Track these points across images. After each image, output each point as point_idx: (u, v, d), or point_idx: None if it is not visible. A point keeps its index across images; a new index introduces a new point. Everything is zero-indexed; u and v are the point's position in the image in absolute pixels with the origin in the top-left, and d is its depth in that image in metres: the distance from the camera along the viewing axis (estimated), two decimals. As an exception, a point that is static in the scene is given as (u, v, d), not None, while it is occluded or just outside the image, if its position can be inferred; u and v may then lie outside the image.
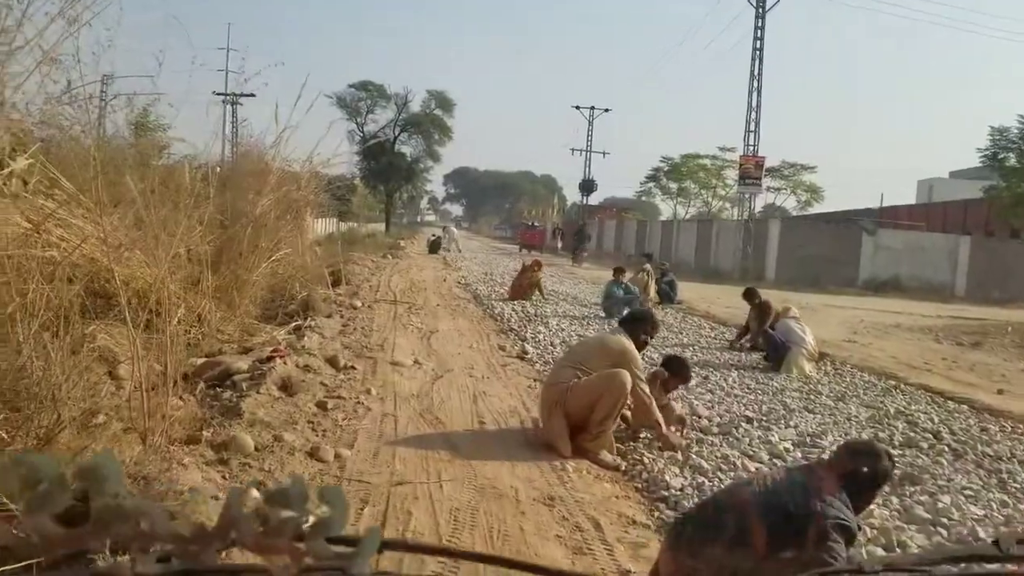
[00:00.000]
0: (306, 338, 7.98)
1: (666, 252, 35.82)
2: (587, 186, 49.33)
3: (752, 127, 25.15)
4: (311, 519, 0.55)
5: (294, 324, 9.42)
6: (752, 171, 25.26)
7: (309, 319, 9.68)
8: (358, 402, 5.66)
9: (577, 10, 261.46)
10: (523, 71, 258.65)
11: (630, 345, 5.14)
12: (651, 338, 5.55)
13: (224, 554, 0.61)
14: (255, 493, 0.61)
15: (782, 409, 6.52)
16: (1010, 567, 0.77)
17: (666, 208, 61.95)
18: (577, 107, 49.01)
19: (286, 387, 5.72)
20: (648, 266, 15.27)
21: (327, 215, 38.76)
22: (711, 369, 8.31)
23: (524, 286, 14.58)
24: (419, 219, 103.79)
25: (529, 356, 8.21)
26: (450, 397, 6.04)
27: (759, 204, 40.77)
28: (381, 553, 0.61)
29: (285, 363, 6.50)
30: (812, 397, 7.15)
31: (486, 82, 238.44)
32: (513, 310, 12.58)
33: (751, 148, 25.33)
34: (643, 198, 44.01)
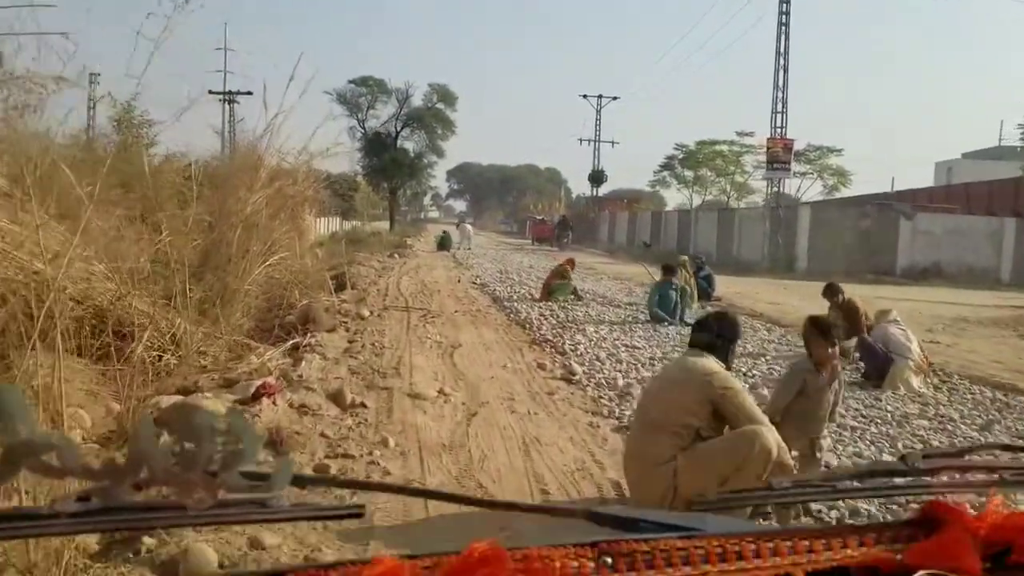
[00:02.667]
0: (304, 363, 6.51)
1: (683, 243, 34.23)
2: (596, 177, 47.82)
3: (779, 107, 23.58)
4: (221, 452, 0.53)
5: (291, 343, 7.96)
6: (780, 154, 23.67)
7: (309, 335, 8.21)
8: (371, 461, 4.18)
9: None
10: (525, 62, 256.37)
11: (731, 378, 3.61)
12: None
13: None
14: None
15: (921, 446, 5.03)
16: (917, 480, 0.79)
17: (675, 197, 60.35)
18: (584, 96, 47.59)
19: (275, 442, 4.25)
20: (684, 259, 13.67)
21: (329, 214, 37.40)
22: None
23: (549, 282, 13.12)
24: (423, 216, 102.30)
25: (577, 378, 6.71)
26: (492, 448, 4.55)
27: (762, 191, 39.23)
28: (303, 488, 0.62)
29: (275, 403, 5.03)
30: (947, 425, 5.65)
31: (487, 74, 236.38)
32: (541, 314, 11.09)
33: (778, 130, 23.76)
34: (657, 188, 42.52)
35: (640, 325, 10.45)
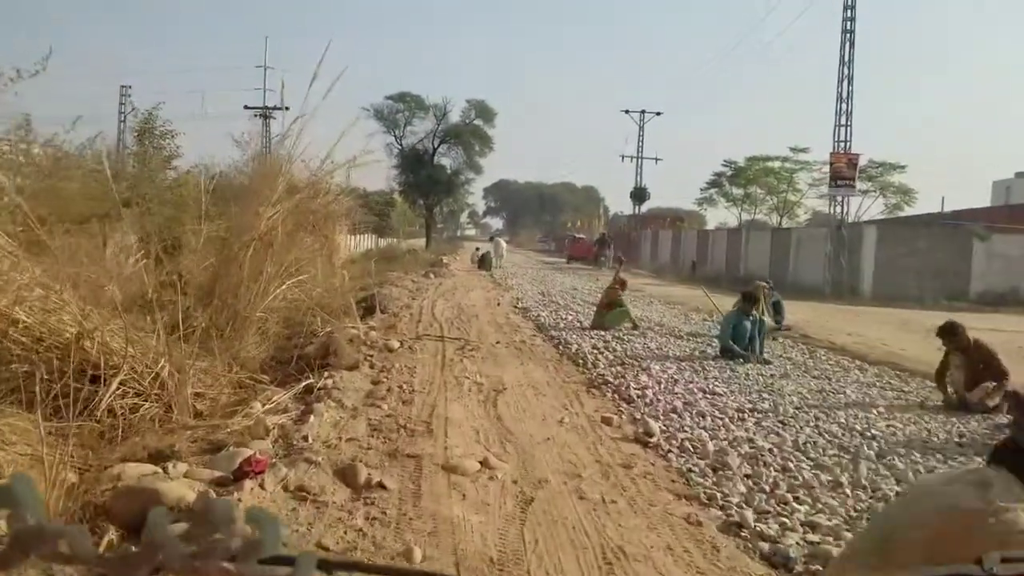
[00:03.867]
0: (313, 418, 5.20)
1: (732, 263, 32.60)
2: (639, 194, 46.36)
3: (844, 120, 21.95)
4: (240, 541, 0.52)
5: (304, 384, 6.69)
6: (844, 170, 21.98)
7: (326, 375, 6.93)
8: (387, 594, 2.84)
9: (621, 11, 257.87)
10: (563, 78, 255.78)
11: None
12: None
13: None
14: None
15: None
16: None
17: (717, 216, 58.57)
18: (627, 111, 46.22)
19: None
20: (763, 284, 12.09)
21: (363, 231, 36.46)
22: (936, 459, 5.37)
23: (604, 306, 11.76)
24: (460, 233, 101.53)
25: (655, 440, 5.31)
26: (561, 567, 3.19)
27: (813, 210, 37.33)
28: (330, 574, 0.56)
29: (262, 486, 3.73)
30: None
31: (524, 90, 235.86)
32: (595, 347, 9.71)
33: (842, 144, 22.10)
34: (703, 205, 40.89)
35: (710, 362, 9.00)
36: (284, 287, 9.13)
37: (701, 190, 40.69)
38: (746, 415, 6.24)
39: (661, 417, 6.02)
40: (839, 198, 22.76)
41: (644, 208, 50.02)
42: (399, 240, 47.01)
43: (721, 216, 67.59)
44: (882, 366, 9.56)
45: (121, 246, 11.98)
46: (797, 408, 6.59)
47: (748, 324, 9.17)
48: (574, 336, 10.68)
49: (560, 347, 9.75)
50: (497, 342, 9.76)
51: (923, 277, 21.76)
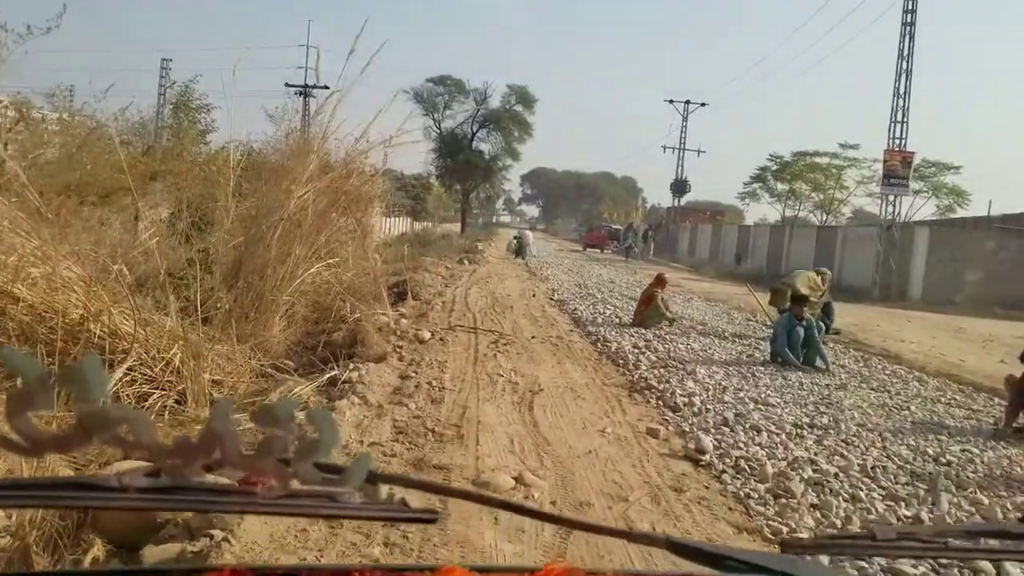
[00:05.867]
0: (335, 416, 4.80)
1: (773, 261, 31.70)
2: (680, 186, 45.45)
3: (900, 116, 20.98)
4: (297, 441, 0.52)
5: (328, 376, 6.30)
6: (899, 169, 21.01)
7: (352, 367, 6.52)
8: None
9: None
10: (605, 67, 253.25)
11: None
12: None
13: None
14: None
15: None
16: None
17: (758, 212, 57.36)
18: (671, 101, 45.27)
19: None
20: (817, 275, 11.11)
21: (398, 214, 36.17)
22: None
23: (645, 303, 11.23)
24: (495, 220, 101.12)
25: (707, 458, 4.81)
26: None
27: (860, 209, 36.19)
28: (373, 485, 0.60)
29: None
30: None
31: (566, 78, 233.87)
32: (635, 346, 9.20)
33: (897, 141, 21.15)
34: (747, 200, 39.88)
35: (760, 368, 8.44)
36: (313, 270, 8.76)
37: (744, 184, 39.73)
38: (805, 431, 5.70)
39: (712, 430, 5.51)
40: (891, 197, 21.82)
41: (682, 201, 49.08)
42: (434, 224, 46.73)
43: (762, 212, 66.38)
44: (942, 378, 8.92)
45: (154, 221, 11.77)
46: (860, 425, 6.03)
47: (801, 330, 8.57)
48: (613, 333, 10.17)
49: (599, 344, 9.26)
50: (533, 337, 9.30)
51: (977, 283, 20.83)
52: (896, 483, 4.61)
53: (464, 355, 7.76)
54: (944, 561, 3.29)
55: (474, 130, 45.48)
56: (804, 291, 9.85)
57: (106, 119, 12.75)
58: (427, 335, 8.55)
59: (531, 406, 5.84)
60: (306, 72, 39.77)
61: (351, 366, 6.53)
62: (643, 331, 10.57)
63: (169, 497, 0.55)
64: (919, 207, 26.32)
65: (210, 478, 0.57)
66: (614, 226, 48.15)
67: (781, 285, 10.95)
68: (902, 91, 21.16)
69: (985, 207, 37.49)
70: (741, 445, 5.20)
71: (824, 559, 2.15)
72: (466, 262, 22.14)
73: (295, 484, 0.53)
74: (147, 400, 4.88)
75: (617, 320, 11.78)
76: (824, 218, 34.09)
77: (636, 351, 8.84)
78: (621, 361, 8.16)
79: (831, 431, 5.77)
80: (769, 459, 4.90)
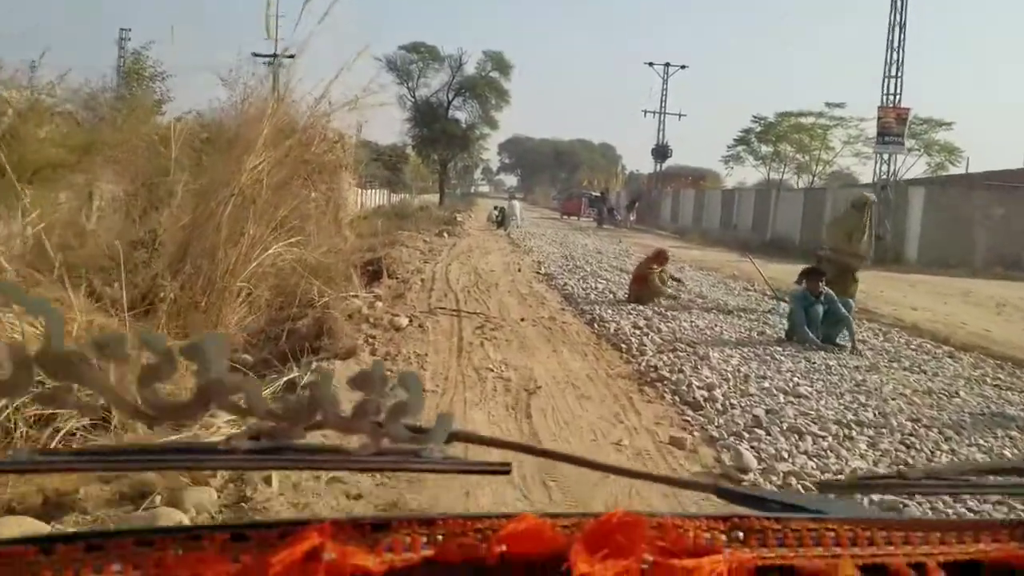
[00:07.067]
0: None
1: (759, 225, 30.96)
2: (661, 151, 44.47)
3: (894, 71, 20.06)
4: (389, 403, 0.57)
5: (284, 380, 5.32)
6: (893, 125, 20.14)
7: (314, 367, 5.54)
8: None
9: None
10: (581, 32, 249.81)
11: None
12: None
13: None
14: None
15: None
16: None
17: (741, 175, 56.64)
18: (650, 64, 44.15)
19: None
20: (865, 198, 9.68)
21: (374, 186, 34.93)
22: None
23: (640, 280, 10.30)
24: (473, 190, 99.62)
25: (751, 478, 3.91)
26: None
27: (847, 170, 35.34)
28: (449, 443, 0.62)
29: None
30: None
31: (540, 44, 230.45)
32: (635, 326, 8.30)
33: (891, 97, 20.25)
34: (730, 163, 38.93)
35: (776, 348, 7.56)
36: (272, 251, 7.74)
37: (728, 147, 38.73)
38: (853, 431, 4.82)
39: (745, 434, 4.61)
40: (885, 156, 20.97)
41: (663, 167, 48.11)
42: (412, 196, 45.48)
43: (747, 175, 65.54)
44: (974, 352, 8.11)
45: (113, 200, 10.66)
46: (913, 420, 5.16)
47: (820, 307, 7.68)
48: (609, 311, 9.26)
49: (595, 325, 8.34)
50: (522, 319, 8.36)
51: (975, 243, 20.15)
52: (986, 503, 3.74)
53: (447, 345, 6.81)
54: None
55: (450, 98, 44.10)
56: (854, 264, 9.01)
57: (43, 89, 11.60)
58: (404, 321, 7.58)
59: (528, 411, 4.92)
60: (276, 42, 38.18)
61: (314, 365, 5.55)
62: (640, 308, 9.66)
63: (273, 457, 0.59)
64: (910, 165, 25.52)
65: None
66: (593, 194, 47.14)
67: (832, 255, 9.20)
68: (896, 44, 20.23)
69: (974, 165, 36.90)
70: (785, 454, 4.31)
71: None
72: (446, 235, 21.12)
73: (385, 443, 0.57)
74: (51, 424, 3.85)
75: (611, 296, 10.87)
76: (810, 180, 33.22)
77: (638, 332, 7.93)
78: (624, 345, 7.25)
79: (883, 430, 4.90)
80: (824, 473, 4.02)
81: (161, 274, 7.03)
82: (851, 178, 35.59)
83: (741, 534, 0.57)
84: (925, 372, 6.91)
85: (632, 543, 0.52)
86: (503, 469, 0.68)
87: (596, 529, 0.53)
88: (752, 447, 4.37)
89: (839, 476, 3.93)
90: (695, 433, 4.65)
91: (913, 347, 8.28)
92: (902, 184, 21.86)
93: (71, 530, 2.69)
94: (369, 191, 32.76)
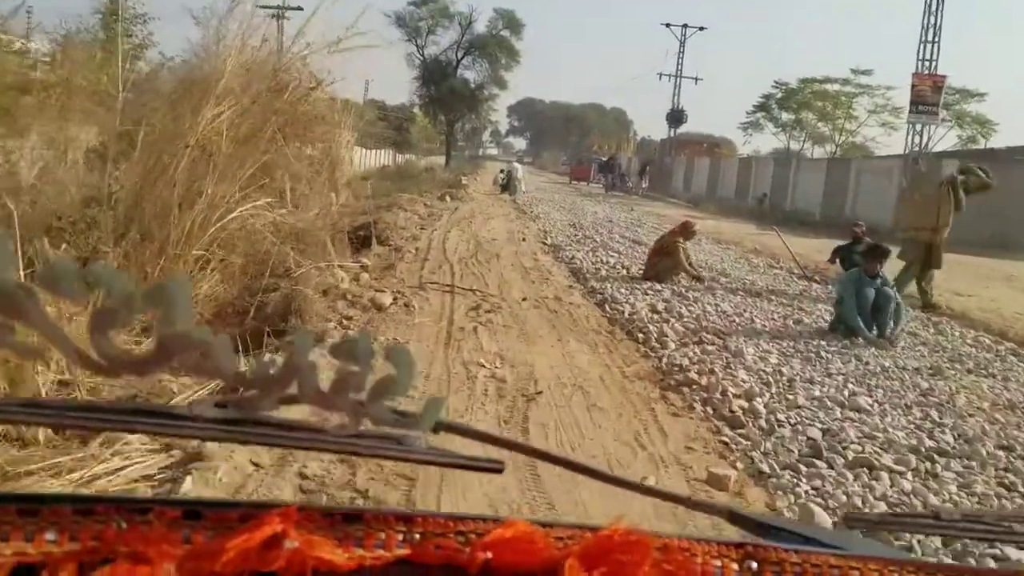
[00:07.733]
0: (190, 482, 2.85)
1: (777, 196, 29.68)
2: (676, 116, 43.03)
3: (931, 36, 18.72)
4: (374, 379, 0.51)
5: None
6: (928, 94, 18.83)
7: (270, 357, 4.55)
8: None
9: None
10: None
11: None
12: None
13: None
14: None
15: None
16: None
17: (759, 143, 55.24)
18: (667, 24, 42.54)
19: None
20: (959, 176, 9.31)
21: (380, 145, 33.69)
22: None
23: (663, 254, 9.24)
24: (481, 153, 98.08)
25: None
26: None
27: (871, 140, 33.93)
28: (436, 433, 0.56)
29: None
30: None
31: (552, 2, 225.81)
32: (653, 310, 7.28)
33: (927, 64, 18.93)
34: (749, 131, 37.53)
35: (820, 342, 6.52)
36: (236, 213, 6.70)
37: (748, 113, 37.31)
38: (937, 464, 3.81)
39: (801, 468, 3.61)
40: (918, 126, 19.68)
41: (676, 133, 46.66)
42: (418, 157, 44.22)
43: (758, 144, 64.00)
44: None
45: (87, 152, 9.66)
46: (1005, 449, 4.14)
47: (872, 291, 6.63)
48: (623, 291, 8.23)
49: (607, 308, 7.32)
50: (524, 298, 7.34)
51: (1011, 220, 18.95)
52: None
53: (434, 330, 5.81)
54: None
55: (459, 57, 42.74)
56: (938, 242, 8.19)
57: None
58: (387, 300, 6.57)
59: (525, 424, 3.92)
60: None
61: (267, 356, 4.56)
62: (658, 287, 8.63)
63: (238, 429, 0.53)
64: (940, 137, 24.22)
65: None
66: (603, 159, 45.85)
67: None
68: (934, 6, 18.85)
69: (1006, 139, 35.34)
70: (859, 500, 3.30)
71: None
72: (448, 198, 20.02)
73: (366, 424, 0.51)
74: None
75: (624, 271, 9.83)
76: (833, 150, 31.83)
77: (656, 317, 6.91)
78: (640, 335, 6.23)
79: (972, 461, 3.89)
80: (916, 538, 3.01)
81: (104, 239, 6.04)
82: (867, 149, 34.16)
83: (755, 564, 0.50)
84: (995, 376, 5.88)
85: (633, 563, 0.47)
86: (495, 467, 0.58)
87: (594, 544, 0.48)
88: (814, 488, 3.38)
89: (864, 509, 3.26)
90: (738, 464, 3.64)
91: (969, 342, 7.25)
92: (932, 157, 20.58)
93: (4, 490, 2.40)
94: (373, 151, 31.60)
